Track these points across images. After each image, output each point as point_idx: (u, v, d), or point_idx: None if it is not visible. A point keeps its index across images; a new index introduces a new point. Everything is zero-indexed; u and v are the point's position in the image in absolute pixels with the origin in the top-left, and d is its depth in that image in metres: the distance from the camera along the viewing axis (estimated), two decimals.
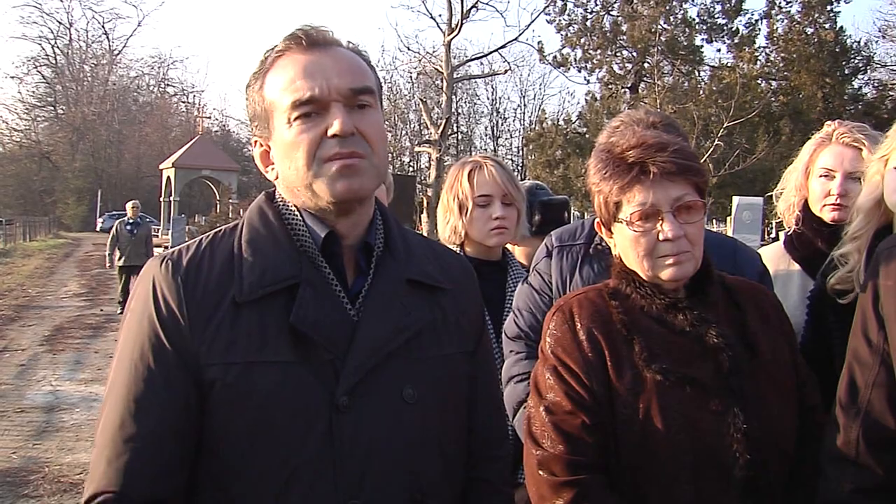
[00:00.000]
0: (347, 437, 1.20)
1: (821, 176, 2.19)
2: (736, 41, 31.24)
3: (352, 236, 1.31)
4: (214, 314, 1.20)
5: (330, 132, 1.22)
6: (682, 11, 31.50)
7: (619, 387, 1.48)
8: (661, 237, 1.49)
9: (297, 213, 1.29)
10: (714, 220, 24.09)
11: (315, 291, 1.24)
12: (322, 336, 1.22)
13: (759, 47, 31.34)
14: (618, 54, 32.59)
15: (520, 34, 25.32)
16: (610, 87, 32.42)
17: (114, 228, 13.10)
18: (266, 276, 1.23)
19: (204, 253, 1.27)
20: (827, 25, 29.98)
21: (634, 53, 31.60)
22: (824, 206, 2.18)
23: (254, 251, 1.26)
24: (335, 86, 1.23)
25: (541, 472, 1.49)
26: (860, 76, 31.41)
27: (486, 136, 50.57)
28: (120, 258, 12.68)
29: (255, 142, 1.33)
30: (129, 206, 13.22)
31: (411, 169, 39.04)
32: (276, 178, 1.31)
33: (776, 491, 1.47)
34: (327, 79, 1.23)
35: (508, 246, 2.74)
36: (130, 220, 12.84)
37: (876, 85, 31.97)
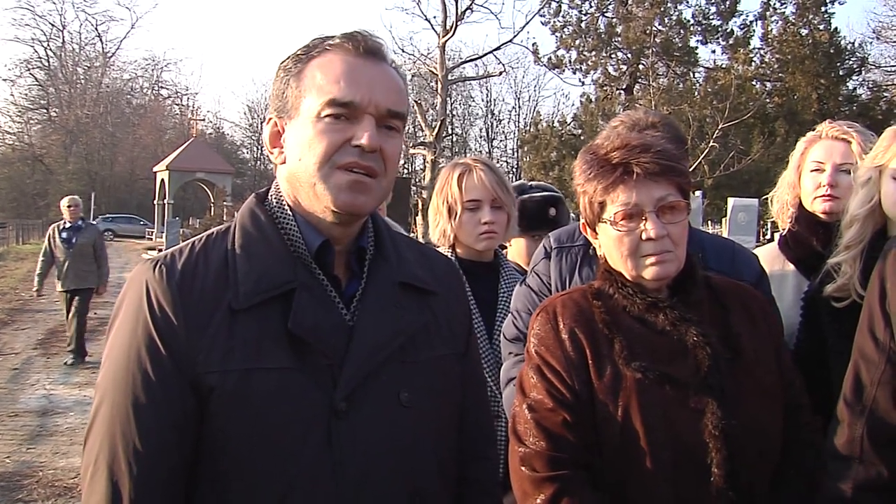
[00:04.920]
0: (346, 443, 1.20)
1: (812, 171, 2.20)
2: (731, 42, 31.35)
3: (345, 241, 1.31)
4: (210, 321, 1.19)
5: (355, 142, 1.21)
6: (676, 13, 31.63)
7: (599, 385, 1.49)
8: (644, 237, 1.51)
9: (291, 216, 1.28)
10: (709, 222, 24.15)
11: (311, 296, 1.23)
12: (320, 341, 1.21)
13: (753, 48, 31.47)
14: (613, 56, 32.68)
15: (514, 36, 25.46)
16: (605, 88, 32.50)
17: (46, 239, 8.85)
18: (262, 282, 1.21)
19: (198, 258, 1.25)
20: (821, 27, 30.11)
21: (629, 55, 31.67)
22: (815, 198, 2.17)
23: (248, 256, 1.24)
24: (376, 100, 1.23)
25: (523, 469, 1.51)
26: (854, 77, 31.55)
27: (480, 137, 50.73)
28: (59, 281, 8.62)
29: (269, 119, 1.31)
30: (63, 204, 8.86)
31: (406, 171, 39.12)
32: (283, 162, 1.29)
33: (757, 489, 1.48)
34: (371, 90, 1.23)
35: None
36: (67, 225, 8.66)
37: (870, 86, 32.11)
